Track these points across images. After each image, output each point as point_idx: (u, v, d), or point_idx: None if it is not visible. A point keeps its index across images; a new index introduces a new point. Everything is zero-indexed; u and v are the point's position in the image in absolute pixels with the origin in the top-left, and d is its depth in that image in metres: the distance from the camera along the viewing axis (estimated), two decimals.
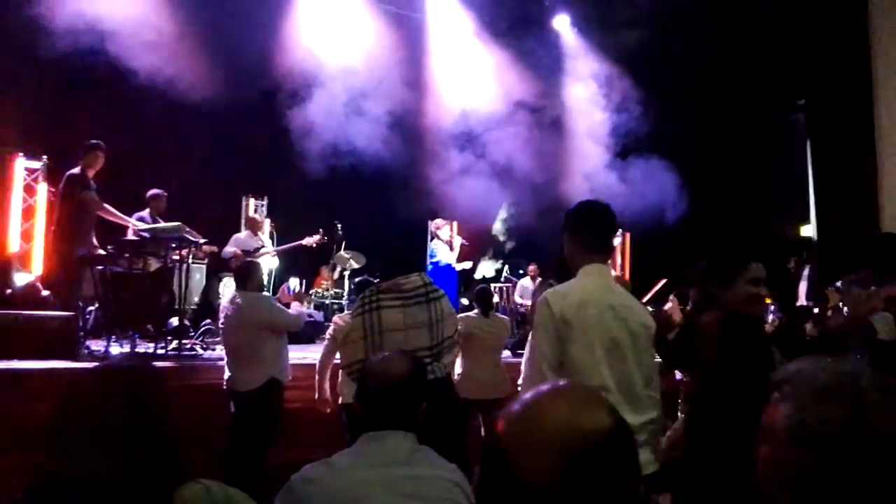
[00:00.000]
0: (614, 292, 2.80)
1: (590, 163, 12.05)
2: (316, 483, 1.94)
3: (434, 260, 9.64)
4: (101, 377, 1.60)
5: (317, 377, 5.07)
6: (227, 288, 8.03)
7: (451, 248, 9.59)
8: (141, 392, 1.57)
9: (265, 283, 6.91)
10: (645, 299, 8.20)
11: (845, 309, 8.50)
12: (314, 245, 9.38)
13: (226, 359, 5.27)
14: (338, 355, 4.43)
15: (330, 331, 5.03)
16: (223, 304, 5.35)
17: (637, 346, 2.69)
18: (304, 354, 7.32)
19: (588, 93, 12.38)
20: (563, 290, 2.77)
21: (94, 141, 6.82)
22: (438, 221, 9.92)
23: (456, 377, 5.51)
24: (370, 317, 3.53)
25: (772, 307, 9.89)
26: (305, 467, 2.01)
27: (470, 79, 11.79)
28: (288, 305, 5.48)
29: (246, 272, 5.31)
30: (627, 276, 10.13)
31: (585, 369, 2.58)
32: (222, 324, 5.31)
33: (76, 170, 6.66)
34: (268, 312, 5.16)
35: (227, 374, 5.18)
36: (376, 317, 3.52)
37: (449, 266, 9.54)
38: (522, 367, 4.88)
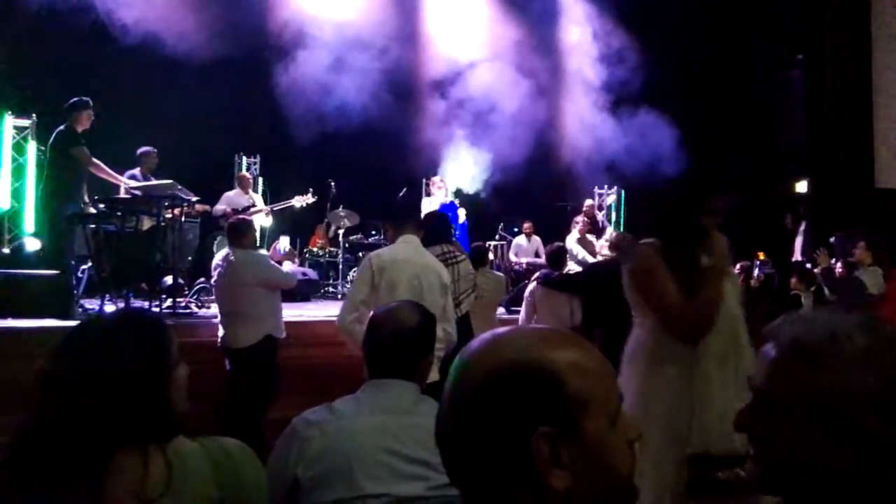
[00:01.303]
0: (420, 255, 4.07)
1: (586, 118, 11.95)
2: (317, 426, 1.95)
3: None
4: (119, 323, 1.57)
5: None
6: (221, 246, 8.00)
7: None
8: (162, 339, 1.54)
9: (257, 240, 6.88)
10: None
11: (839, 265, 8.57)
12: (304, 205, 9.34)
13: (219, 316, 5.25)
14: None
15: None
16: (216, 262, 5.32)
17: (432, 292, 3.92)
18: (301, 312, 7.34)
19: (583, 46, 12.23)
20: (384, 251, 4.16)
21: (81, 98, 6.63)
22: (435, 179, 9.88)
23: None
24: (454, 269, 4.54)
25: (758, 262, 9.96)
26: (307, 411, 2.02)
27: (464, 31, 11.62)
28: (279, 263, 5.46)
29: (238, 229, 5.25)
30: (622, 232, 10.08)
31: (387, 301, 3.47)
32: (215, 281, 5.28)
33: (64, 127, 6.52)
34: (263, 270, 5.15)
35: (220, 332, 5.16)
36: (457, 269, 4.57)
37: None
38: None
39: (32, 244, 7.62)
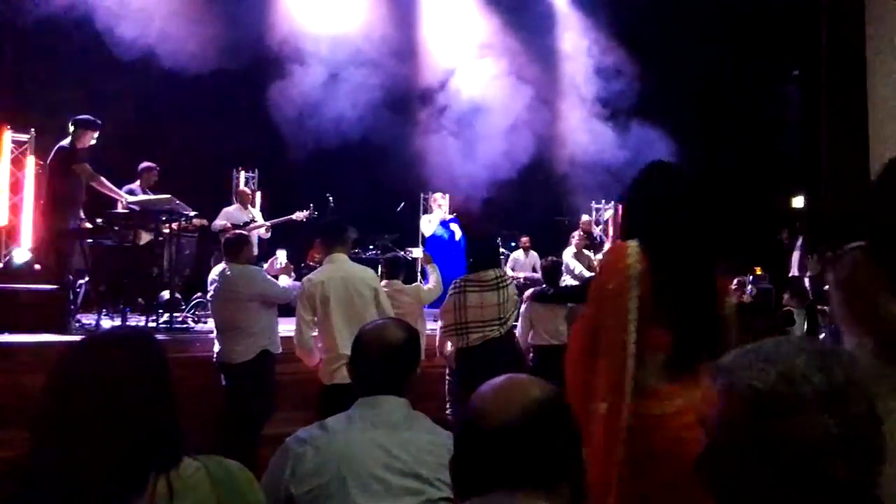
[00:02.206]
0: (344, 269, 4.64)
1: (583, 132, 12.00)
2: (311, 444, 1.96)
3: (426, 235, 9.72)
4: (112, 343, 1.57)
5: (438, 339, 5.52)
6: (219, 261, 8.00)
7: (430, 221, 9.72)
8: (156, 359, 1.56)
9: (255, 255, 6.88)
10: None
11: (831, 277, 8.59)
12: (304, 219, 9.36)
13: (215, 331, 5.24)
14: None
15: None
16: (212, 277, 5.31)
17: (363, 299, 4.53)
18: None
19: (580, 60, 12.28)
20: (312, 275, 4.79)
21: (92, 119, 6.60)
22: (436, 196, 9.90)
23: (449, 348, 5.59)
24: (458, 297, 5.05)
25: (750, 278, 9.98)
26: (300, 430, 2.03)
27: (461, 47, 11.69)
28: (276, 278, 5.46)
29: (235, 244, 5.25)
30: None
31: (326, 318, 4.54)
32: (211, 296, 5.27)
33: (67, 142, 6.51)
34: (258, 285, 5.14)
35: (216, 347, 5.15)
36: (462, 297, 5.03)
37: (433, 237, 9.60)
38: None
39: (21, 256, 7.60)
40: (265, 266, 5.88)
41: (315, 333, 4.73)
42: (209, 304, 5.65)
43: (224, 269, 5.18)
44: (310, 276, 4.84)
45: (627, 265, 2.36)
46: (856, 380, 1.03)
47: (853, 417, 1.00)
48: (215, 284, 5.19)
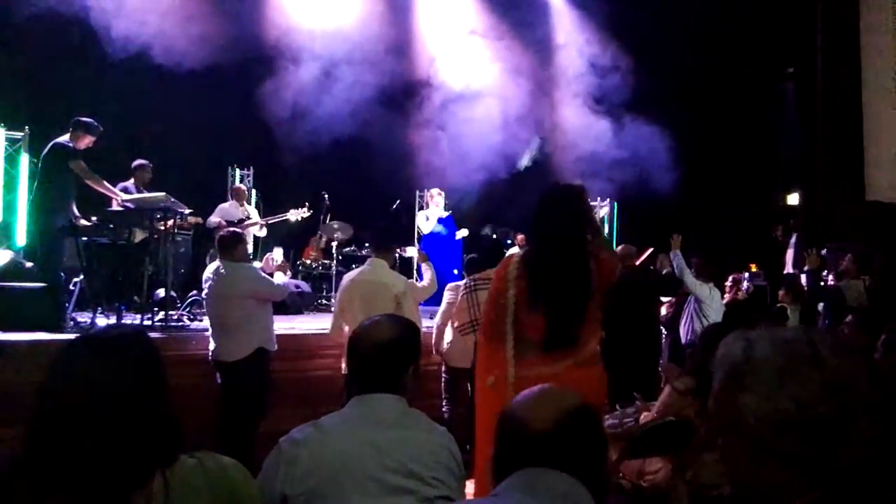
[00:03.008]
0: (376, 274, 5.06)
1: (578, 129, 11.99)
2: (305, 444, 1.95)
3: (424, 233, 9.72)
4: (107, 342, 1.57)
5: (434, 337, 5.74)
6: (214, 258, 7.99)
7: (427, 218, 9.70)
8: (150, 357, 1.56)
9: (249, 252, 6.88)
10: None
11: (831, 277, 8.60)
12: (299, 219, 9.35)
13: (210, 329, 5.21)
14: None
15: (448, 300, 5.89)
16: (206, 274, 5.28)
17: (385, 303, 4.78)
18: (293, 325, 7.33)
19: (576, 58, 12.27)
20: (350, 273, 5.28)
21: (94, 122, 6.56)
22: (433, 192, 9.88)
23: (445, 346, 5.63)
24: (471, 296, 5.11)
25: (746, 275, 10.00)
26: (294, 429, 2.02)
27: (457, 44, 11.68)
28: (271, 275, 5.46)
29: (229, 241, 5.21)
30: (615, 244, 10.09)
31: (350, 314, 4.92)
32: (206, 294, 5.25)
33: (64, 139, 6.44)
34: (253, 282, 5.12)
35: (212, 345, 5.13)
36: (475, 296, 5.07)
37: (432, 234, 9.59)
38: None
39: (14, 253, 7.56)
40: (261, 264, 5.87)
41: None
42: (204, 302, 5.62)
43: (218, 266, 5.16)
44: (347, 274, 5.49)
45: (506, 273, 3.20)
46: (819, 361, 1.04)
47: (807, 397, 1.01)
48: (210, 282, 5.17)
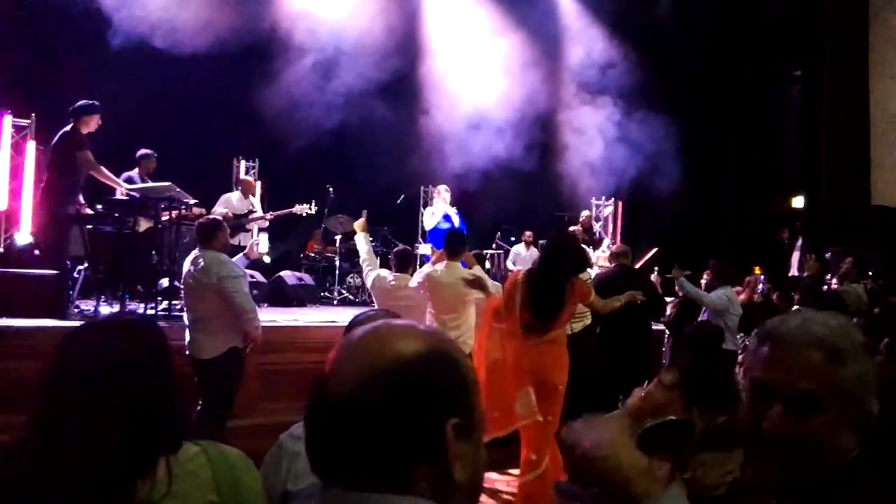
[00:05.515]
0: (454, 270, 5.57)
1: (584, 130, 11.99)
2: (304, 441, 1.92)
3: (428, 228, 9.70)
4: (113, 329, 1.57)
5: None
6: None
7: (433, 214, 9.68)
8: (156, 345, 1.56)
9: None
10: (637, 265, 8.22)
11: (834, 281, 8.58)
12: (304, 214, 9.33)
13: (186, 322, 4.94)
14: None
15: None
16: (185, 263, 4.98)
17: (456, 292, 5.42)
18: (297, 317, 7.33)
19: (582, 58, 12.26)
20: (429, 268, 5.78)
21: (92, 102, 6.51)
22: (440, 188, 9.85)
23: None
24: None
25: (762, 277, 9.97)
26: (295, 426, 2.00)
27: (463, 38, 11.67)
28: (256, 261, 5.34)
29: (208, 229, 4.90)
30: (618, 243, 10.09)
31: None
32: (183, 284, 4.95)
33: (71, 128, 6.45)
34: (225, 276, 4.72)
35: (187, 339, 4.85)
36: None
37: (435, 229, 9.57)
38: None
39: (21, 240, 7.58)
40: (245, 250, 5.80)
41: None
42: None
43: (196, 256, 4.86)
44: (427, 269, 5.85)
45: (516, 281, 4.78)
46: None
47: (875, 367, 1.23)
48: (187, 271, 4.87)
